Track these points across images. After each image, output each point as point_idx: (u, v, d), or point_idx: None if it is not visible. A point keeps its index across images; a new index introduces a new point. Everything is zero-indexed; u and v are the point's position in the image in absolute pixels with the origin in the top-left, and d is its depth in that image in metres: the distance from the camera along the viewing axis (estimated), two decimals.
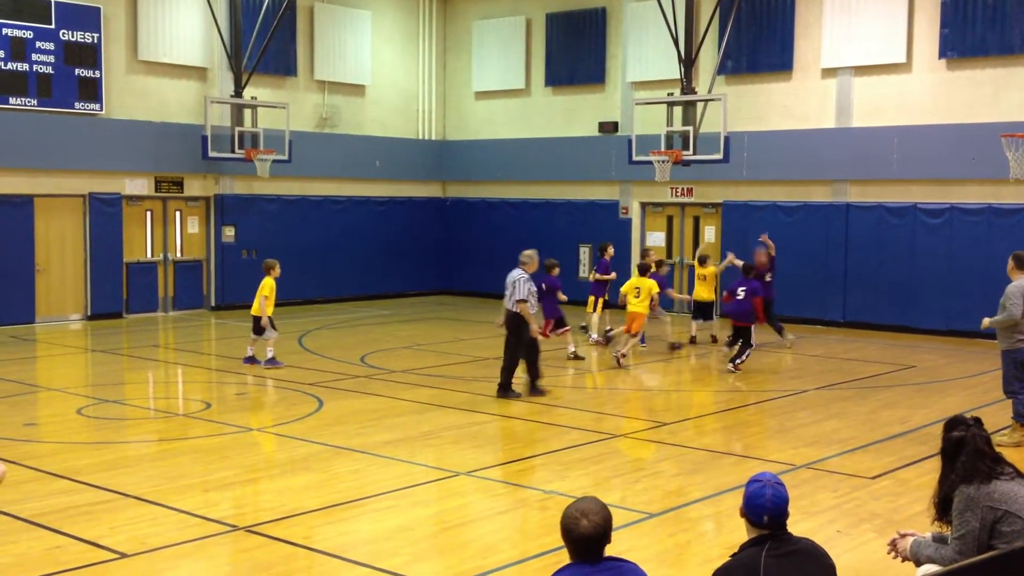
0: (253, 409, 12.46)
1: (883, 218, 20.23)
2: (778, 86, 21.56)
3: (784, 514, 4.38)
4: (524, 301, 13.14)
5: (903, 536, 5.09)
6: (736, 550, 4.45)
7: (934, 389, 14.24)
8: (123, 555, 7.32)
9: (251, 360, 15.38)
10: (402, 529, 8.12)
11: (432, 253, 26.39)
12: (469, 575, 6.99)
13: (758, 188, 21.83)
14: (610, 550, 4.20)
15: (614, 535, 7.60)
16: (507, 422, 11.95)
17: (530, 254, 13.87)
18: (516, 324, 13.19)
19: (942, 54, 19.51)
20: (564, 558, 7.24)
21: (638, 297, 15.80)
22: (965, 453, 5.00)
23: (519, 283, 13.24)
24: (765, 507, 4.35)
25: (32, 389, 14.03)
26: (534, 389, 13.35)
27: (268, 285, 15.36)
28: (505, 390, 13.16)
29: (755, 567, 4.23)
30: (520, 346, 13.21)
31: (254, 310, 15.36)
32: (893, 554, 5.15)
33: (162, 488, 9.02)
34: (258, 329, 15.30)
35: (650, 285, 15.82)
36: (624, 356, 15.59)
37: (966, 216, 19.30)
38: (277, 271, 15.64)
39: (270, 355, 15.27)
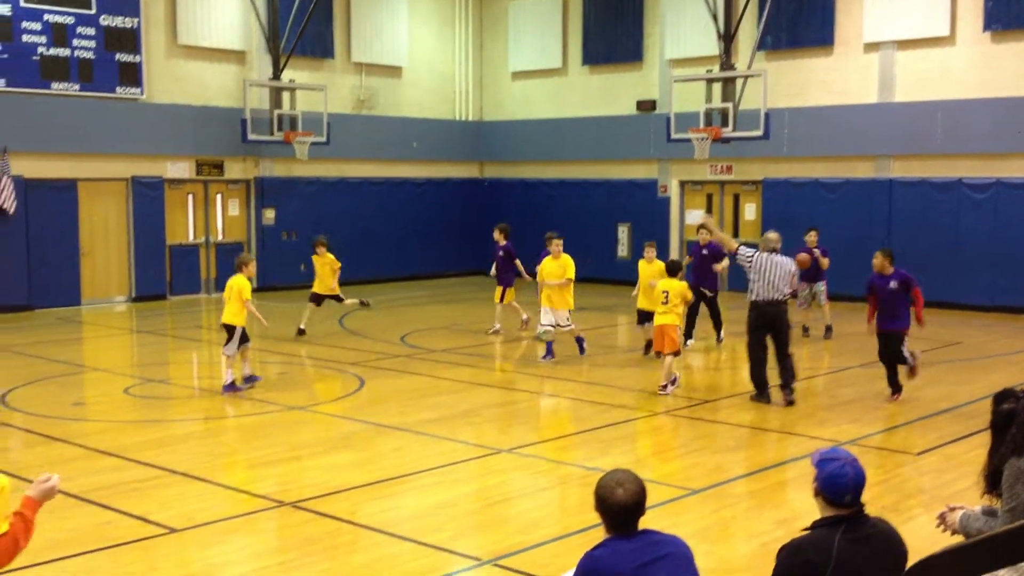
0: (295, 388, 12.57)
1: (927, 194, 19.98)
2: (819, 61, 21.30)
3: (862, 490, 4.19)
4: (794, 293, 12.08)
5: (952, 510, 5.03)
6: (808, 526, 4.30)
7: (979, 365, 14.07)
8: (172, 530, 7.43)
9: (251, 379, 12.42)
10: (445, 505, 8.17)
11: (470, 234, 26.39)
12: (512, 551, 7.03)
13: (799, 165, 21.62)
14: (653, 525, 4.19)
15: (657, 511, 7.65)
16: (547, 400, 11.97)
17: (777, 236, 12.00)
18: (782, 315, 11.58)
19: (987, 27, 19.18)
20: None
21: (666, 303, 12.16)
22: (1016, 425, 4.93)
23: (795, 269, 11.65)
24: (848, 486, 4.15)
25: (79, 369, 14.25)
26: (791, 393, 11.54)
27: (247, 286, 12.31)
28: (762, 392, 11.62)
29: (828, 549, 4.05)
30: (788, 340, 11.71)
31: (229, 318, 12.26)
32: (942, 528, 5.09)
33: (209, 465, 9.14)
34: (230, 339, 12.24)
35: (681, 288, 12.30)
36: (671, 385, 12.18)
37: (1012, 191, 19.01)
38: (252, 268, 12.72)
39: (232, 378, 12.23)
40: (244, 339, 12.31)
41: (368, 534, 7.39)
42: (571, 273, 14.13)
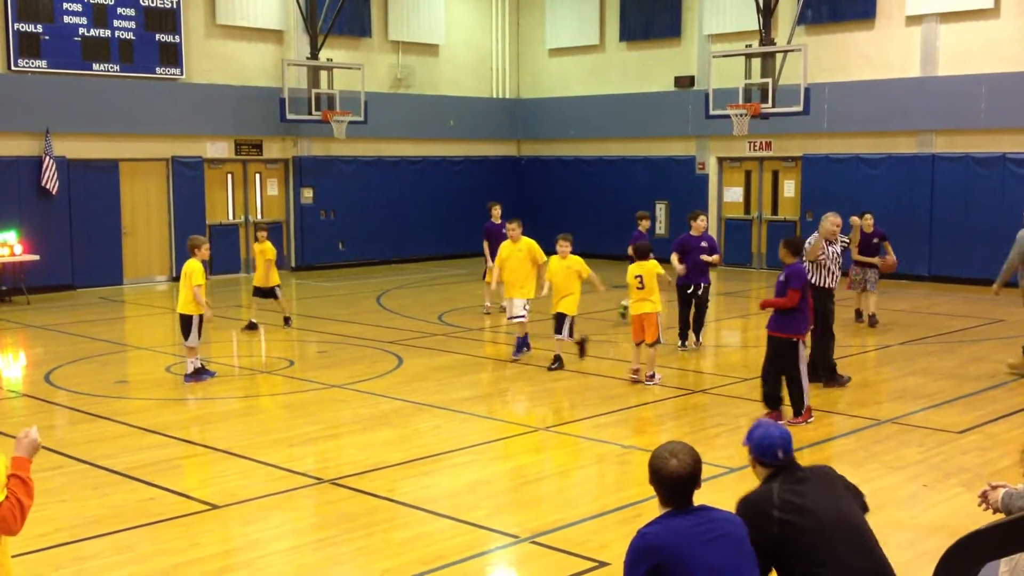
0: (334, 366, 12.66)
1: (971, 169, 19.68)
2: (860, 35, 21.00)
3: (792, 446, 4.50)
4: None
5: (994, 488, 4.98)
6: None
7: None
8: (214, 506, 7.53)
9: (198, 374, 11.68)
10: (482, 483, 8.21)
11: (507, 212, 26.23)
12: (549, 528, 7.05)
13: (840, 140, 21.36)
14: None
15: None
16: (585, 379, 11.95)
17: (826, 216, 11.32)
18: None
19: None
20: (644, 511, 7.28)
21: (642, 289, 11.33)
22: None
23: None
24: (777, 444, 4.45)
25: (122, 348, 14.45)
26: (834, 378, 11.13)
27: (199, 271, 11.57)
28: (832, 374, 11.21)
29: (770, 497, 4.32)
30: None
31: (184, 306, 11.59)
32: (984, 506, 5.04)
33: (249, 443, 9.24)
34: (188, 330, 11.58)
35: (655, 270, 11.37)
36: (648, 376, 11.45)
37: None
38: (206, 251, 11.88)
39: (195, 366, 11.69)
40: (189, 331, 11.58)
41: (406, 511, 7.45)
42: (540, 256, 12.89)
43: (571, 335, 12.35)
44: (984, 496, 5.01)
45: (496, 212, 16.88)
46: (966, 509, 6.97)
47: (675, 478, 4.00)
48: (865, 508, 4.58)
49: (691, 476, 4.01)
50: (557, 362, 12.31)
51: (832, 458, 8.77)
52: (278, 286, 15.40)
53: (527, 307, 12.89)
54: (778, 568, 4.27)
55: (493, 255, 16.31)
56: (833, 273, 11.06)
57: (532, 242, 13.01)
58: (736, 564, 3.96)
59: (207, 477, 8.36)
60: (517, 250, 12.98)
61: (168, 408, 10.71)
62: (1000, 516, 4.90)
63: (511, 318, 13.07)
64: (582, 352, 12.74)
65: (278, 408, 10.70)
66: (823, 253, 10.96)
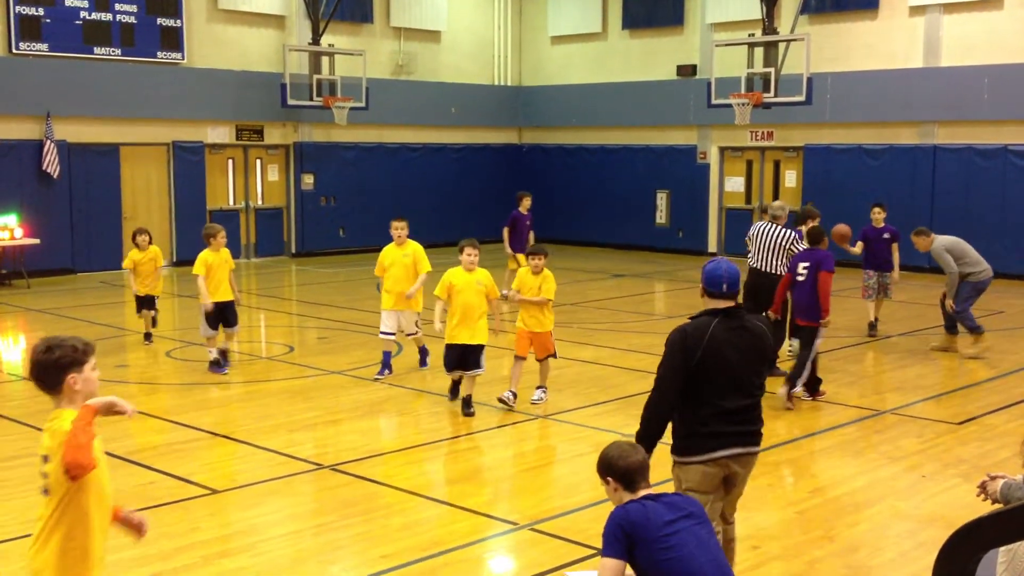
0: (334, 353, 12.66)
1: (972, 160, 19.65)
2: (864, 24, 20.95)
3: (738, 283, 5.21)
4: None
5: (993, 479, 4.99)
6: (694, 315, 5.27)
7: (1022, 335, 13.87)
8: (214, 491, 7.54)
9: (220, 364, 11.47)
10: (483, 469, 8.23)
11: (508, 200, 26.22)
12: (548, 515, 7.07)
13: (842, 131, 21.33)
14: None
15: None
16: (585, 367, 11.96)
17: (779, 204, 11.51)
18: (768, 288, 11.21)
19: None
20: None
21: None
22: None
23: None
24: (723, 277, 5.17)
25: (122, 333, 14.44)
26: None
27: (199, 263, 11.60)
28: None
29: (704, 331, 5.11)
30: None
31: (225, 294, 11.50)
32: (983, 497, 5.05)
33: (249, 428, 9.25)
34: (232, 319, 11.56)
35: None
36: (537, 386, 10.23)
37: None
38: (221, 239, 11.73)
39: (212, 356, 11.54)
40: (219, 323, 11.41)
41: (405, 497, 7.46)
42: (424, 266, 11.02)
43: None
44: (983, 487, 5.02)
45: (526, 202, 16.68)
46: (965, 499, 6.99)
47: (638, 466, 4.49)
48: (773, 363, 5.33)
49: (645, 463, 4.55)
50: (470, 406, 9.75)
51: (832, 448, 8.80)
52: (157, 296, 13.51)
53: (418, 323, 11.42)
54: (686, 386, 5.15)
55: (513, 244, 16.30)
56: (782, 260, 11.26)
57: (418, 247, 11.28)
58: (702, 539, 4.34)
59: (207, 462, 8.37)
60: (402, 255, 11.14)
61: (168, 393, 10.73)
62: (999, 506, 4.91)
63: (408, 334, 11.42)
64: (456, 393, 10.08)
65: (278, 394, 10.71)
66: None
